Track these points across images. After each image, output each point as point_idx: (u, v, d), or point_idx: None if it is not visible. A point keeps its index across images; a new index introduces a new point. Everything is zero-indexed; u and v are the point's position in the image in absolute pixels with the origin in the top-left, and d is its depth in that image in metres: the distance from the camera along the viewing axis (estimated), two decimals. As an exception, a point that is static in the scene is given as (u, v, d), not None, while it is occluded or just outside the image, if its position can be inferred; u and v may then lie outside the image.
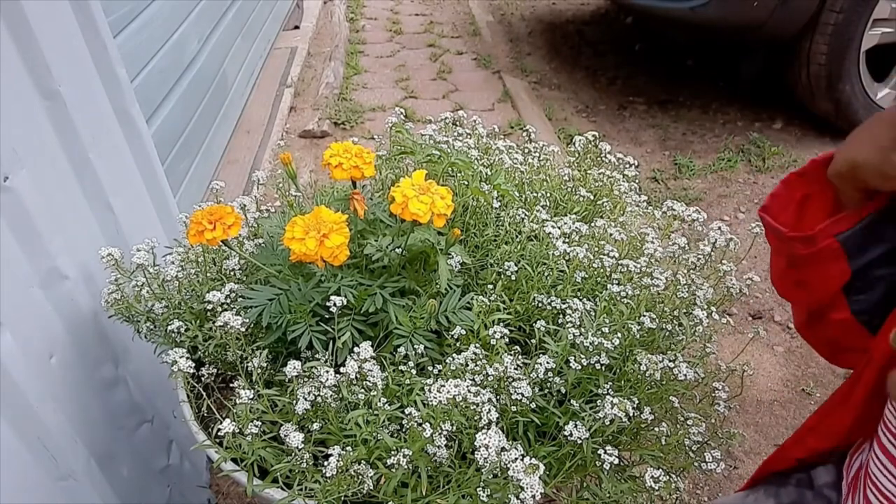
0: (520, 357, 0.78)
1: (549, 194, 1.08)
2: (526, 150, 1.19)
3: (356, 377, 0.68)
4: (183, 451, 1.23)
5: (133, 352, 1.05)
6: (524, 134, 1.24)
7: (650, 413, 0.75)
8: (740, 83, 3.06)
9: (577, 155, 1.21)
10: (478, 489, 0.64)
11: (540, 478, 0.59)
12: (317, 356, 0.76)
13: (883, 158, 0.49)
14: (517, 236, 0.95)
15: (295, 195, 0.98)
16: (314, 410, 0.71)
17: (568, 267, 0.88)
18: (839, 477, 0.65)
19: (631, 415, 0.69)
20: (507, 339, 0.76)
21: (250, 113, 2.70)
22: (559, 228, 0.90)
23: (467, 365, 0.73)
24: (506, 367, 0.71)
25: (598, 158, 1.19)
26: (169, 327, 0.82)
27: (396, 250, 0.84)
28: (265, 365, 0.77)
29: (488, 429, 0.61)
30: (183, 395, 0.80)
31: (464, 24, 4.23)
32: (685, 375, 0.76)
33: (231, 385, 0.80)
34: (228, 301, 0.79)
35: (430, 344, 0.80)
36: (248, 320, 0.76)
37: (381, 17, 4.38)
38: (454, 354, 0.77)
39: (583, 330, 0.77)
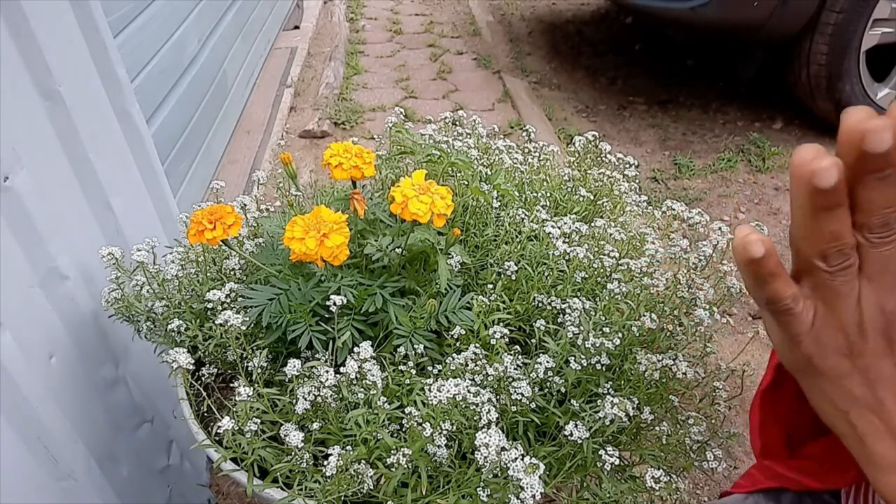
0: (520, 357, 0.78)
1: (549, 194, 1.08)
2: (526, 150, 1.19)
3: (356, 377, 0.68)
4: (183, 451, 1.23)
5: (133, 352, 1.05)
6: (524, 134, 1.24)
7: (650, 413, 0.75)
8: (740, 83, 3.06)
9: (577, 155, 1.21)
10: (478, 489, 0.64)
11: (540, 478, 0.59)
12: (317, 356, 0.76)
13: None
14: (517, 236, 0.95)
15: (295, 195, 0.98)
16: (314, 410, 0.71)
17: (568, 267, 0.88)
18: None
19: (631, 414, 0.69)
20: (507, 339, 0.76)
21: (250, 113, 2.70)
22: (559, 228, 0.90)
23: (467, 365, 0.73)
24: (506, 367, 0.71)
25: (598, 158, 1.19)
26: (169, 326, 0.82)
27: (396, 250, 0.84)
28: (265, 365, 0.77)
29: (488, 429, 0.61)
30: (182, 393, 0.80)
31: (464, 24, 4.23)
32: (684, 374, 0.76)
33: (231, 385, 0.80)
34: (228, 300, 0.79)
35: (429, 344, 0.80)
36: (248, 319, 0.76)
37: (381, 17, 4.38)
38: (454, 354, 0.77)
39: (582, 329, 0.77)
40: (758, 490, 0.72)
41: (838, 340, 0.36)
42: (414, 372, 0.76)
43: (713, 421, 0.82)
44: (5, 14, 0.80)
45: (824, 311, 0.36)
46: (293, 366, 0.70)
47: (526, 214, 0.97)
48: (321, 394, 0.69)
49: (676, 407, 0.80)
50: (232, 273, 0.89)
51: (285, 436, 0.67)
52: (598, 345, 0.74)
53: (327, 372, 0.68)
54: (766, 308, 0.37)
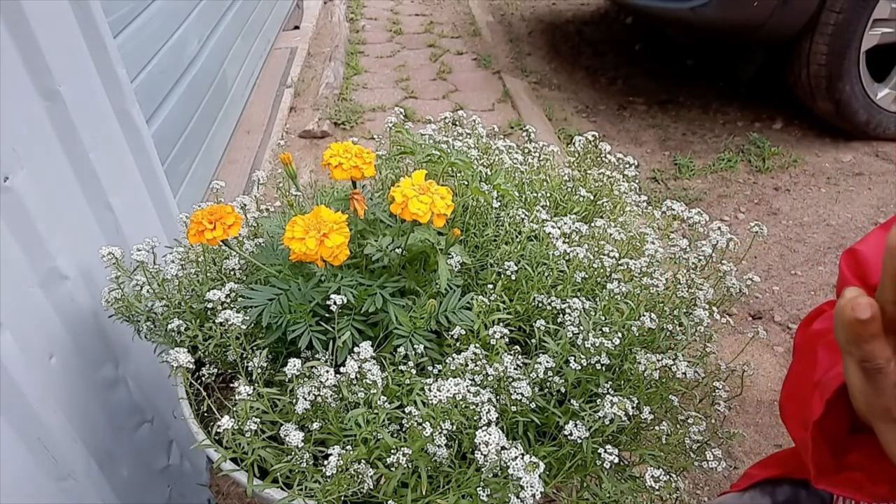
0: (520, 357, 0.78)
1: (549, 194, 1.08)
2: (526, 150, 1.19)
3: (356, 377, 0.68)
4: (183, 451, 1.23)
5: (133, 352, 1.05)
6: (524, 134, 1.24)
7: (650, 413, 0.75)
8: (740, 83, 3.06)
9: (577, 155, 1.21)
10: (478, 489, 0.64)
11: (540, 477, 0.59)
12: (317, 356, 0.76)
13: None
14: (517, 236, 0.95)
15: (295, 195, 0.98)
16: (314, 410, 0.71)
17: (568, 267, 0.88)
18: None
19: (631, 414, 0.69)
20: (507, 339, 0.76)
21: (250, 113, 2.70)
22: (559, 228, 0.90)
23: (467, 365, 0.73)
24: (506, 367, 0.71)
25: (598, 158, 1.19)
26: (169, 326, 0.82)
27: (396, 250, 0.84)
28: (265, 365, 0.77)
29: (488, 428, 0.61)
30: (182, 393, 0.80)
31: (464, 24, 4.23)
32: (684, 374, 0.76)
33: (231, 385, 0.80)
34: (228, 300, 0.79)
35: (429, 344, 0.80)
36: (248, 319, 0.76)
37: (381, 17, 4.38)
38: (454, 354, 0.77)
39: (581, 329, 0.77)
40: (753, 485, 0.72)
41: None
42: (414, 372, 0.76)
43: (713, 421, 0.82)
44: (5, 14, 0.80)
45: None
46: (293, 366, 0.70)
47: (526, 214, 0.97)
48: (321, 394, 0.69)
49: (676, 407, 0.80)
50: (232, 273, 0.89)
51: (285, 436, 0.67)
52: (597, 345, 0.74)
53: (327, 372, 0.68)
54: (858, 364, 0.40)
